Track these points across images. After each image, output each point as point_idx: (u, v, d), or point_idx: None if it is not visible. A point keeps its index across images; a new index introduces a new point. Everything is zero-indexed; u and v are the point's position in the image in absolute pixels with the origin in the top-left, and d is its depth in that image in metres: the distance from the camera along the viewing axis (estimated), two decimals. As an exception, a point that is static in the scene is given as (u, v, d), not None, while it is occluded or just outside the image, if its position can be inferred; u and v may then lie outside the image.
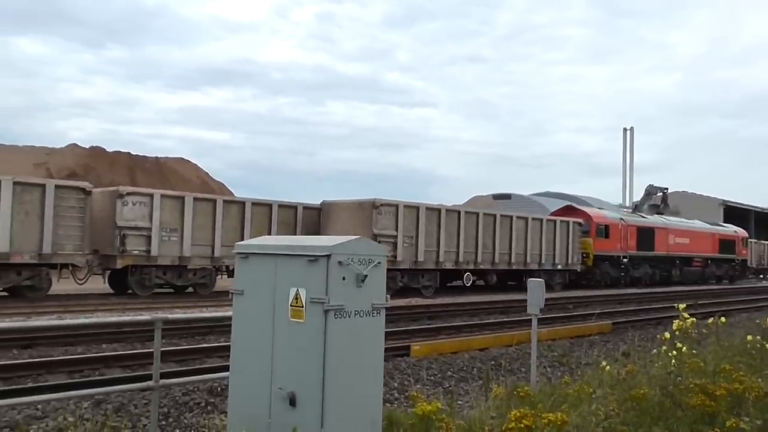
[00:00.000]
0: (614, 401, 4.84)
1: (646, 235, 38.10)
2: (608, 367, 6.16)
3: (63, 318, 14.03)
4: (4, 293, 18.88)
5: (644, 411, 4.73)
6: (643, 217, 40.39)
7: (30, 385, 8.31)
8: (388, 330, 4.52)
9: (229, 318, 4.83)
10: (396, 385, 8.91)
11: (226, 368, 5.70)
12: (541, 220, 30.95)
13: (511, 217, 29.25)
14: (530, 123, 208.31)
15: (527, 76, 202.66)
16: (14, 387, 7.98)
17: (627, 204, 54.71)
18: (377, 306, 4.42)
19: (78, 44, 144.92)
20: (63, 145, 64.51)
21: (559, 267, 31.41)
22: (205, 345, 11.49)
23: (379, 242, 20.01)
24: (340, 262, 4.17)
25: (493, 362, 10.79)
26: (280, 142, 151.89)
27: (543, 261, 30.40)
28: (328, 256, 4.14)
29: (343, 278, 4.20)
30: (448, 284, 28.53)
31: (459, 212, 27.30)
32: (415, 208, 25.36)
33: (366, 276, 4.29)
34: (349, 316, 4.23)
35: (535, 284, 8.03)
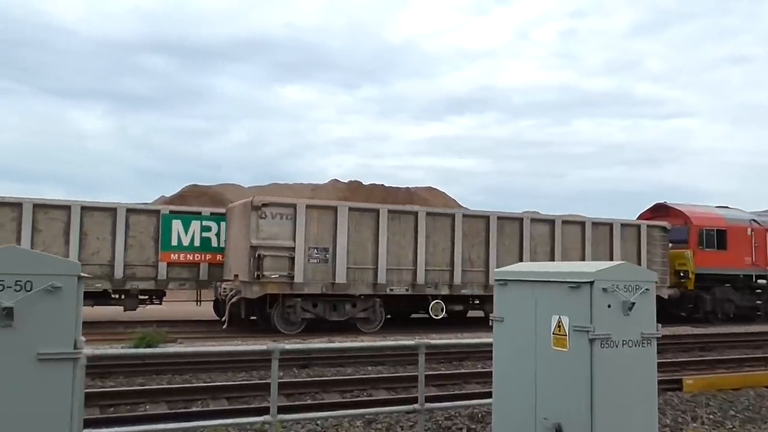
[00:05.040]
0: None
1: None
2: None
3: (332, 341, 15.30)
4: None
5: None
6: None
7: (309, 402, 9.15)
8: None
9: (486, 344, 4.85)
10: (668, 422, 8.19)
11: (485, 395, 5.74)
12: (582, 223, 21.52)
13: (521, 220, 20.62)
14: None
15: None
16: (298, 403, 8.86)
17: None
18: (647, 336, 4.14)
19: (335, 87, 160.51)
20: (325, 181, 71.48)
21: None
22: (463, 370, 11.67)
23: (260, 257, 16.73)
24: (604, 289, 3.99)
25: (786, 402, 9.41)
26: (524, 164, 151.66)
27: None
28: (591, 283, 3.98)
29: (609, 306, 4.01)
30: (413, 315, 20.76)
31: (416, 213, 19.14)
32: (331, 210, 18.04)
33: (633, 303, 4.05)
34: (617, 346, 4.02)
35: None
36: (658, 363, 4.27)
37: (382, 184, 71.61)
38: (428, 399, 6.98)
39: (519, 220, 20.63)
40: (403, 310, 20.33)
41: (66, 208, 18.07)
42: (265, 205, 17.16)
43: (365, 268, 18.16)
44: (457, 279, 19.38)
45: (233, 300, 17.27)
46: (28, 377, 3.29)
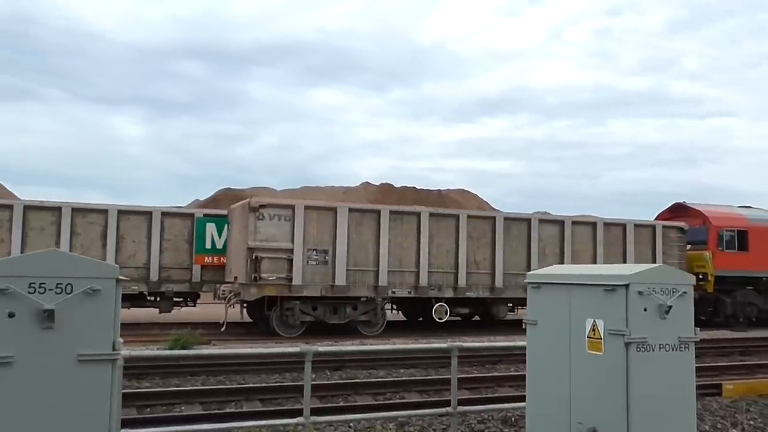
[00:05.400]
0: None
1: None
2: None
3: (365, 344, 15.32)
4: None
5: None
6: None
7: (341, 404, 9.18)
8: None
9: (519, 347, 4.82)
10: (707, 428, 8.03)
11: (518, 398, 5.69)
12: (594, 224, 20.83)
13: (528, 221, 19.90)
14: None
15: None
16: (331, 405, 8.89)
17: None
18: (685, 340, 4.07)
19: (366, 90, 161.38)
20: (357, 184, 71.70)
21: None
22: (496, 374, 11.61)
23: (257, 258, 16.42)
24: (640, 292, 3.94)
25: (831, 408, 9.14)
26: (558, 166, 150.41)
27: None
28: (627, 286, 3.93)
29: (645, 309, 3.95)
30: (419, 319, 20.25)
31: (419, 214, 18.57)
32: (330, 211, 17.56)
33: (670, 307, 3.98)
34: (653, 350, 3.96)
35: None
36: (696, 367, 4.20)
37: (414, 187, 71.75)
38: (461, 402, 6.95)
39: (527, 221, 20.02)
40: (406, 313, 20.36)
41: (103, 211, 18.44)
42: (262, 206, 16.87)
43: (366, 270, 17.71)
44: (462, 281, 18.82)
45: (232, 302, 17.23)
46: (68, 377, 3.37)
